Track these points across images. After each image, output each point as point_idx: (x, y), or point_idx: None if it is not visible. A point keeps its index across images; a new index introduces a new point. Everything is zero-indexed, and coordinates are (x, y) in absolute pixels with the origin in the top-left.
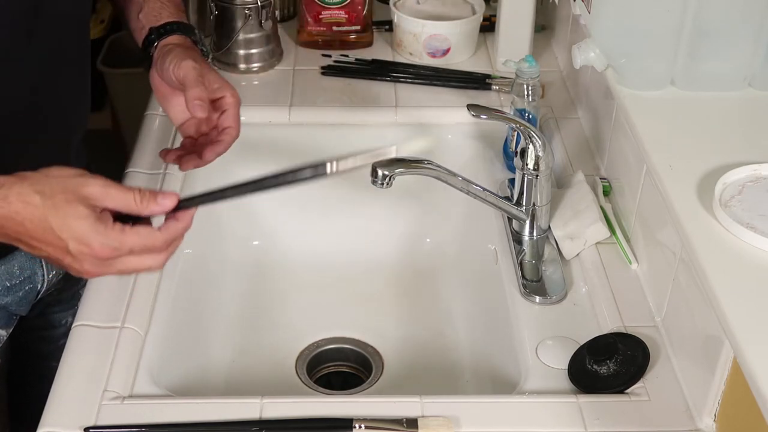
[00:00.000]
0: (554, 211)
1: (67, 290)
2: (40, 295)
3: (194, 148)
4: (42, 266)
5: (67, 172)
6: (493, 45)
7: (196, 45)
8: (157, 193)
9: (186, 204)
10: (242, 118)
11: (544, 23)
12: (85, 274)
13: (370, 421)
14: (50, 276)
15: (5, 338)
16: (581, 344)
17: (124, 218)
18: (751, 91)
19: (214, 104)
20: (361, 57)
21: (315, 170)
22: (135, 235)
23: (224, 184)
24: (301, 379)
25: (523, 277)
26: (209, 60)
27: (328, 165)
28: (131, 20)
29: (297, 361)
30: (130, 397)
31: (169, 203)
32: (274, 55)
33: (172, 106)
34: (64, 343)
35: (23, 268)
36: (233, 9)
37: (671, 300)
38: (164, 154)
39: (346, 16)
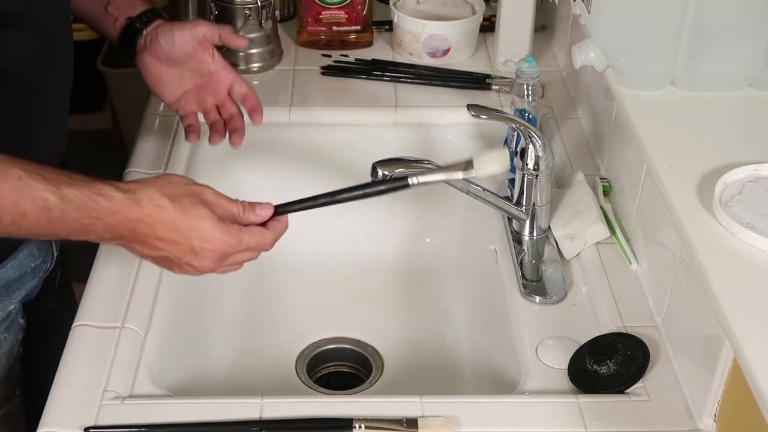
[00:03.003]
0: (554, 211)
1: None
2: (47, 274)
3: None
4: (52, 246)
5: (183, 179)
6: (493, 45)
7: None
8: (255, 205)
9: (281, 210)
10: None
11: (544, 23)
12: (200, 269)
13: (370, 421)
14: (57, 252)
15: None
16: (581, 344)
17: None
18: (751, 92)
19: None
20: (361, 57)
21: (401, 184)
22: (251, 234)
23: (316, 194)
24: (301, 379)
25: (523, 277)
26: None
27: (410, 180)
28: (96, 14)
29: (297, 361)
30: (130, 397)
31: (266, 213)
32: (274, 55)
33: (166, 84)
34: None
35: (40, 248)
36: (233, 9)
37: (671, 300)
38: (189, 134)
39: (346, 16)
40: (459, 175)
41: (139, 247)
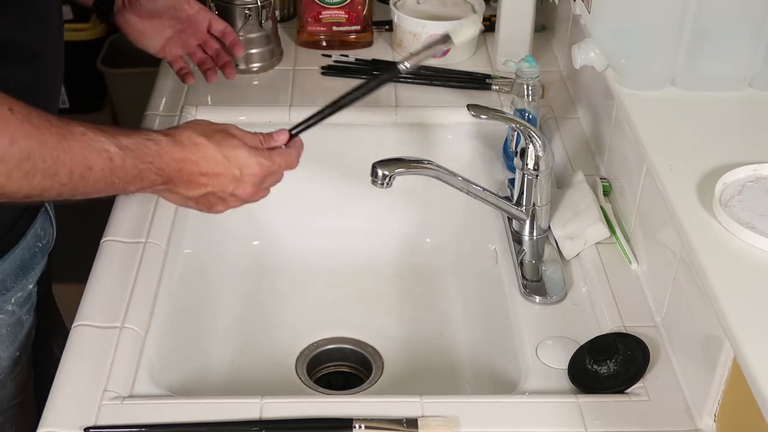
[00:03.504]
0: (554, 211)
1: None
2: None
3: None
4: (52, 224)
5: (207, 121)
6: (493, 45)
7: None
8: (272, 133)
9: (295, 133)
10: (242, 118)
11: (544, 23)
12: (242, 197)
13: (370, 421)
14: (56, 232)
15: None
16: (581, 344)
17: None
18: (751, 91)
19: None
20: (361, 57)
21: (391, 73)
22: (279, 155)
23: (319, 107)
24: (301, 379)
25: (523, 277)
26: None
27: (401, 66)
28: None
29: (297, 361)
30: (130, 397)
31: (283, 138)
32: (274, 55)
33: (149, 37)
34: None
35: (44, 228)
36: (233, 9)
37: (671, 300)
38: (184, 77)
39: (346, 16)
40: (440, 48)
41: (184, 188)
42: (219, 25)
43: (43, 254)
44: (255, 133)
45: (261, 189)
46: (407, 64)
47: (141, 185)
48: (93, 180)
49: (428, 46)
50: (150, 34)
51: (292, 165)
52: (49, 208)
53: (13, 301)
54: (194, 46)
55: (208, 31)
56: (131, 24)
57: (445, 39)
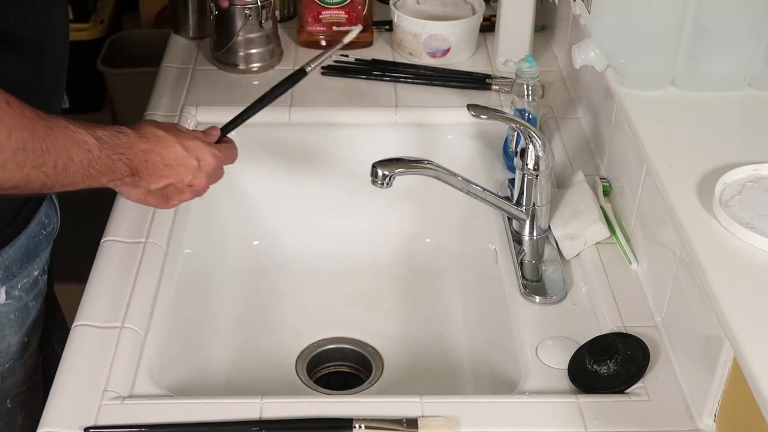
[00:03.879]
0: (554, 211)
1: None
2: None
3: None
4: (56, 212)
5: (155, 120)
6: (493, 45)
7: None
8: (206, 130)
9: (225, 130)
10: None
11: (544, 23)
12: (198, 188)
13: (370, 421)
14: (59, 221)
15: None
16: (581, 344)
17: None
18: (751, 91)
19: None
20: (361, 57)
21: (300, 75)
22: (223, 148)
23: (245, 106)
24: (301, 379)
25: (523, 277)
26: None
27: (307, 68)
28: None
29: (297, 361)
30: (130, 397)
31: (216, 133)
32: (274, 55)
33: None
34: None
35: (49, 216)
36: (233, 9)
37: (671, 300)
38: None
39: (346, 16)
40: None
41: (147, 180)
42: None
43: (48, 242)
44: (195, 131)
45: (213, 180)
46: (311, 67)
47: (111, 177)
48: (73, 171)
49: (324, 52)
50: None
51: (233, 158)
52: (54, 197)
53: (19, 287)
54: None
55: None
56: None
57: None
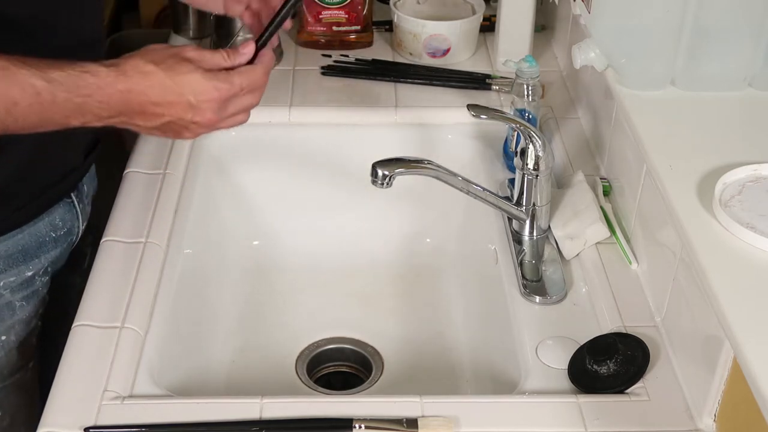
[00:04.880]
0: (554, 211)
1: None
2: (73, 247)
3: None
4: (78, 217)
5: (163, 45)
6: (493, 45)
7: None
8: (237, 47)
9: (261, 44)
10: None
11: (544, 23)
12: (205, 125)
13: (370, 421)
14: (83, 226)
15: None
16: (581, 344)
17: None
18: (751, 91)
19: None
20: (361, 57)
21: None
22: (240, 74)
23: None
24: (301, 379)
25: (523, 277)
26: None
27: None
28: None
29: (297, 361)
30: (130, 397)
31: (250, 50)
32: (274, 55)
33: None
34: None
35: (64, 220)
36: None
37: (671, 300)
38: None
39: (346, 16)
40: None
41: (139, 119)
42: None
43: (57, 245)
44: (218, 50)
45: (226, 115)
46: None
47: (84, 119)
48: (21, 115)
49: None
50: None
51: (257, 84)
52: (75, 201)
53: (1, 284)
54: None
55: None
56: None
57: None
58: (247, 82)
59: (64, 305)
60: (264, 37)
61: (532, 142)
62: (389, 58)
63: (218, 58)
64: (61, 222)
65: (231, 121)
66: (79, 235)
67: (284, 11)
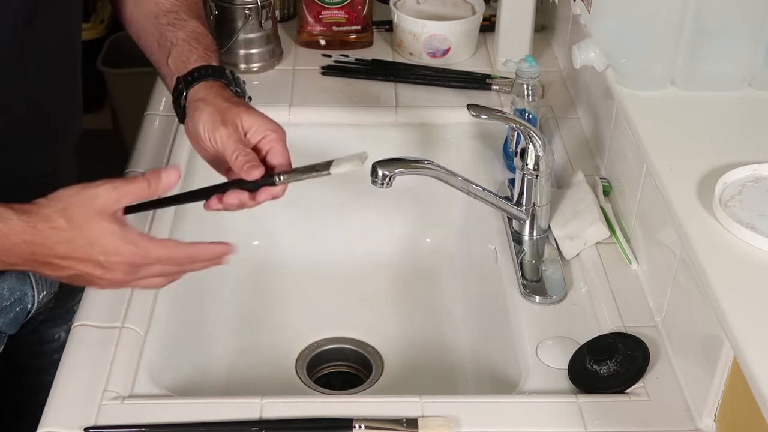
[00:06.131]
0: (554, 211)
1: (61, 307)
2: (30, 315)
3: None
4: (32, 286)
5: (72, 190)
6: (493, 45)
7: (228, 87)
8: (160, 170)
9: (131, 210)
10: None
11: (544, 23)
12: (115, 283)
13: (370, 421)
14: (41, 296)
15: None
16: (581, 344)
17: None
18: (751, 91)
19: (259, 144)
20: (361, 57)
21: (266, 180)
22: (160, 246)
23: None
24: (301, 379)
25: (523, 277)
26: (247, 100)
27: (276, 178)
28: (161, 67)
29: (297, 361)
30: (130, 397)
31: (174, 175)
32: (274, 55)
33: (199, 148)
34: (58, 358)
35: (13, 289)
36: (233, 9)
37: (671, 300)
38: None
39: (346, 16)
40: (318, 174)
41: (47, 269)
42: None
43: (0, 315)
44: (137, 178)
45: (139, 277)
46: (282, 178)
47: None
48: None
49: (308, 170)
50: (199, 147)
51: (177, 261)
52: (31, 274)
53: None
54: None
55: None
56: (191, 137)
57: (327, 166)
58: (165, 256)
59: (18, 357)
60: (138, 207)
61: (532, 142)
62: (389, 58)
63: (140, 189)
64: (8, 292)
65: (144, 283)
66: (36, 303)
67: (170, 202)
